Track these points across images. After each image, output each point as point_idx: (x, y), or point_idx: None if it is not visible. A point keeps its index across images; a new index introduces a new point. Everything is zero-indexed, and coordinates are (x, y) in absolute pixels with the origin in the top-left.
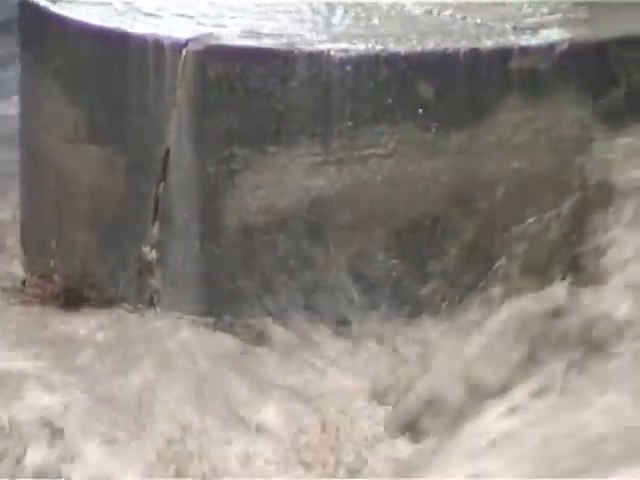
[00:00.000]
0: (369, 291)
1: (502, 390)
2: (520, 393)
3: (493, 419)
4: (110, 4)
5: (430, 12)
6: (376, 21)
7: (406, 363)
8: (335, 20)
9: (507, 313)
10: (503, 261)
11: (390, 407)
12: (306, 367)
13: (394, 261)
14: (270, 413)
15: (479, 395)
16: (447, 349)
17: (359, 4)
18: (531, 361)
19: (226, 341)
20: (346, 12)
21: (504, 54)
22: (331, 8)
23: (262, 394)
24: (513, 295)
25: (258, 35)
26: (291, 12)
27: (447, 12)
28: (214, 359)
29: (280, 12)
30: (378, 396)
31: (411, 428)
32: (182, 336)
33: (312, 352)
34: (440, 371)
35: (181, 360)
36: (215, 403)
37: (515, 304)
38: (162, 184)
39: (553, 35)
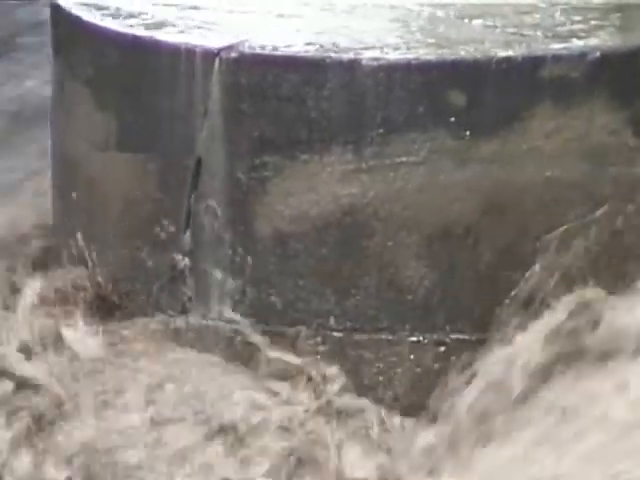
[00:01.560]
0: (401, 299)
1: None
2: None
3: None
4: (143, 13)
5: (462, 19)
6: (408, 29)
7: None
8: (367, 28)
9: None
10: (536, 269)
11: None
12: None
13: (426, 269)
14: None
15: None
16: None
17: (390, 11)
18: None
19: None
20: (378, 20)
21: (536, 62)
22: (362, 16)
23: None
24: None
25: (291, 43)
26: (322, 20)
27: (479, 20)
28: None
29: (311, 20)
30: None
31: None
32: None
33: None
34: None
35: None
36: None
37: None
38: (194, 192)
39: (585, 43)
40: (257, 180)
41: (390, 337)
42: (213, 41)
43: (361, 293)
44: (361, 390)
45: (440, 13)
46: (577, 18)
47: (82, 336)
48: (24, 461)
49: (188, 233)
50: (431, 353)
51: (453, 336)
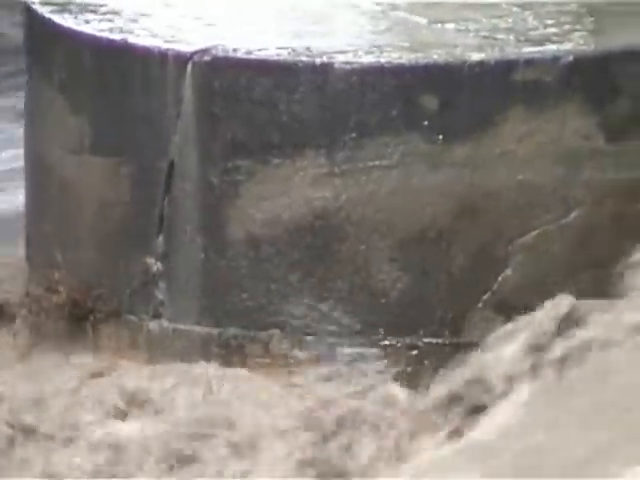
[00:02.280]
0: (374, 303)
1: None
2: None
3: None
4: (116, 17)
5: (435, 23)
6: (381, 32)
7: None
8: (340, 32)
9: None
10: (508, 273)
11: None
12: None
13: (399, 272)
14: None
15: None
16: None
17: (363, 15)
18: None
19: None
20: (350, 24)
21: (509, 66)
22: (335, 20)
23: None
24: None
25: (263, 47)
26: (295, 24)
27: (452, 24)
28: None
29: (284, 24)
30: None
31: None
32: None
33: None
34: None
35: None
36: None
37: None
38: (167, 196)
39: (558, 47)
40: (230, 184)
41: (362, 341)
42: (186, 45)
43: (334, 297)
44: None
45: (413, 17)
46: (550, 22)
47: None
48: None
49: (161, 237)
50: (404, 357)
51: (426, 340)
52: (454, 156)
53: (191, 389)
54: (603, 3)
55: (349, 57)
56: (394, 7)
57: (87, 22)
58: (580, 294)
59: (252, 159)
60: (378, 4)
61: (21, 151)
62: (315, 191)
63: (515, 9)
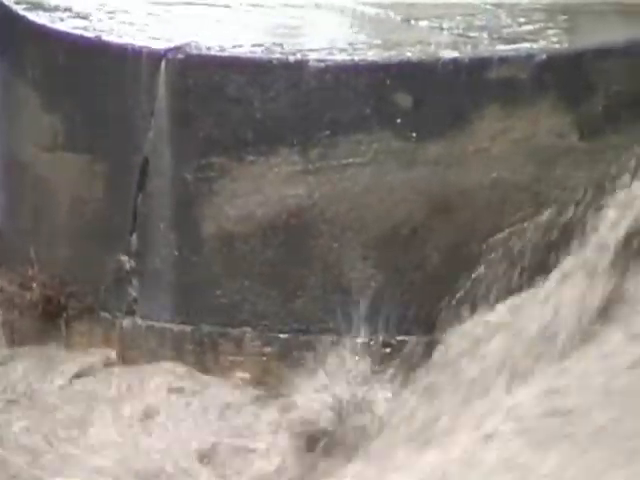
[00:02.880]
0: (347, 300)
1: None
2: None
3: None
4: (90, 15)
5: (409, 21)
6: (354, 30)
7: None
8: (314, 30)
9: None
10: (482, 270)
11: None
12: None
13: (372, 269)
14: None
15: None
16: None
17: (337, 13)
18: None
19: None
20: (324, 22)
21: (483, 64)
22: (309, 18)
23: None
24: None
25: (237, 44)
26: (269, 22)
27: (425, 22)
28: None
29: (257, 22)
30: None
31: None
32: None
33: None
34: None
35: None
36: None
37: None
38: (140, 193)
39: (531, 45)
40: (203, 181)
41: (335, 338)
42: (159, 42)
43: (307, 294)
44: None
45: (387, 15)
46: (523, 20)
47: None
48: None
49: (134, 234)
50: (377, 354)
51: (399, 337)
52: (427, 154)
53: None
54: (576, 2)
55: (323, 55)
56: (368, 5)
57: (61, 20)
58: None
59: (226, 156)
60: (353, 2)
61: None
62: (289, 188)
63: (489, 7)
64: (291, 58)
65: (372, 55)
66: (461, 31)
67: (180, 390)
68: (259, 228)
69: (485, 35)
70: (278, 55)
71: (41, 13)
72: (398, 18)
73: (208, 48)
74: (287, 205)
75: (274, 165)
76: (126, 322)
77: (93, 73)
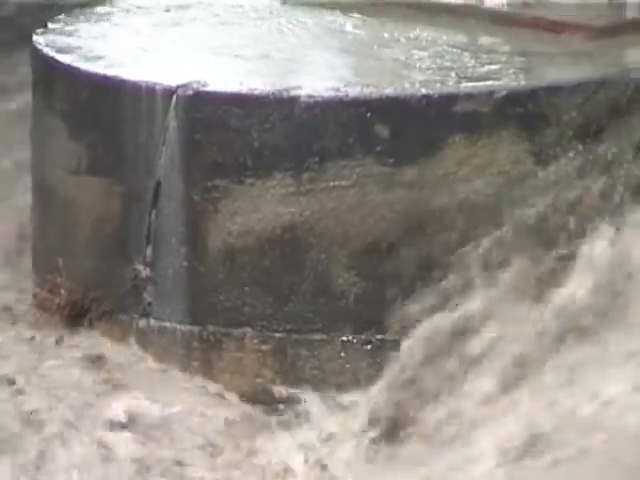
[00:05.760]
0: (334, 304)
1: None
2: None
3: None
4: (109, 55)
5: (383, 62)
6: (338, 70)
7: None
8: (304, 69)
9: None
10: (450, 279)
11: None
12: None
13: (355, 279)
14: None
15: None
16: None
17: (322, 55)
18: None
19: None
20: (312, 62)
21: (450, 99)
22: (300, 59)
23: None
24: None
25: (238, 82)
26: (266, 63)
27: (399, 62)
28: None
29: (256, 62)
30: None
31: None
32: None
33: None
34: None
35: None
36: None
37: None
38: (154, 211)
39: (493, 83)
40: (209, 201)
41: (324, 337)
42: (171, 80)
43: (299, 299)
44: (298, 382)
45: (366, 57)
46: (485, 61)
47: None
48: None
49: (149, 247)
50: (360, 351)
51: (378, 336)
52: (403, 177)
53: None
54: (532, 46)
55: (312, 91)
56: (351, 49)
57: (85, 60)
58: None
59: (228, 179)
60: (339, 42)
61: None
62: (283, 207)
63: (455, 50)
64: (285, 94)
65: (355, 91)
66: (432, 71)
67: None
68: (257, 241)
69: (452, 74)
70: (274, 91)
71: (68, 54)
72: (376, 60)
73: (213, 85)
74: (282, 221)
75: (270, 187)
76: (141, 323)
77: (112, 107)
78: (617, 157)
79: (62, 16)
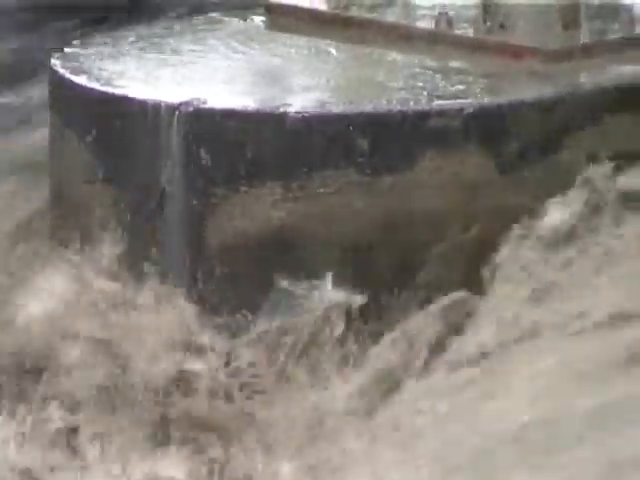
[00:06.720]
0: (319, 298)
1: None
2: None
3: None
4: (119, 75)
5: (363, 82)
6: (322, 89)
7: None
8: (293, 87)
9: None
10: (422, 276)
11: None
12: None
13: (338, 275)
14: None
15: None
16: None
17: (309, 75)
18: None
19: None
20: (300, 82)
21: (423, 115)
22: (289, 77)
23: None
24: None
25: (234, 99)
26: (258, 83)
27: (377, 82)
28: None
29: (250, 83)
30: None
31: None
32: None
33: None
34: None
35: None
36: None
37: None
38: (159, 216)
39: (462, 101)
40: (208, 206)
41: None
42: (173, 97)
43: (289, 295)
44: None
45: (349, 78)
46: (455, 81)
47: None
48: None
49: (155, 247)
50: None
51: (362, 326)
52: (381, 185)
53: None
54: (496, 68)
55: (300, 108)
56: (337, 67)
57: (97, 80)
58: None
59: (225, 187)
60: (324, 64)
61: None
62: (274, 212)
63: (427, 72)
64: (275, 111)
65: (338, 108)
66: (407, 90)
67: None
68: (251, 242)
69: (425, 93)
70: (265, 108)
71: (81, 75)
72: (356, 80)
73: (211, 102)
74: (273, 225)
75: (262, 194)
76: None
77: (122, 122)
78: (573, 167)
79: (76, 41)
